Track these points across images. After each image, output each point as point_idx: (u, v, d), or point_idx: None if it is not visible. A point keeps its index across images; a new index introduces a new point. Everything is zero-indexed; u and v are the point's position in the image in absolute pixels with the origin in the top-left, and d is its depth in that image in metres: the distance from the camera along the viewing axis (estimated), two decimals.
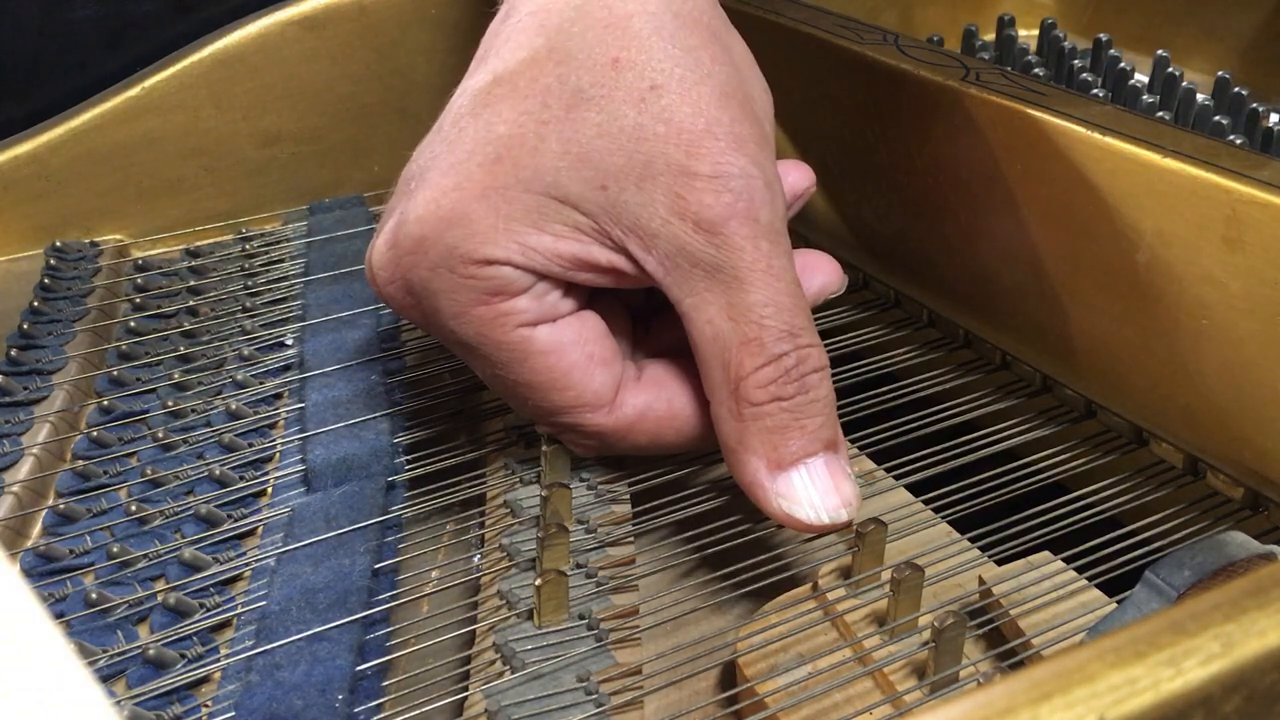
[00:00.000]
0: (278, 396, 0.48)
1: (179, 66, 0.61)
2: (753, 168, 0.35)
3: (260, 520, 0.41)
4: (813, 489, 0.35)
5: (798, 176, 0.43)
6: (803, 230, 0.56)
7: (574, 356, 0.37)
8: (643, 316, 0.42)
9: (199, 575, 0.38)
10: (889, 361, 0.48)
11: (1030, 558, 0.35)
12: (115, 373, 0.49)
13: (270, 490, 0.43)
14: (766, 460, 0.35)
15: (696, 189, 0.34)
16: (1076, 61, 0.66)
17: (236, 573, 0.39)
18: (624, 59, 0.35)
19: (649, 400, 0.38)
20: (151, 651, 0.35)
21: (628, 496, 0.40)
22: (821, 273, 0.41)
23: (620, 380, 0.38)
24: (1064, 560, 0.35)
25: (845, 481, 0.35)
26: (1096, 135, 0.39)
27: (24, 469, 0.43)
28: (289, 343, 0.51)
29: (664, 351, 0.40)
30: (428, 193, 0.36)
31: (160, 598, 0.37)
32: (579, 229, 0.35)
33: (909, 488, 0.41)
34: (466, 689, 0.33)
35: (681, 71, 0.35)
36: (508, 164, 0.35)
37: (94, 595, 0.37)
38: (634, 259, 0.36)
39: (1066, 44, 0.68)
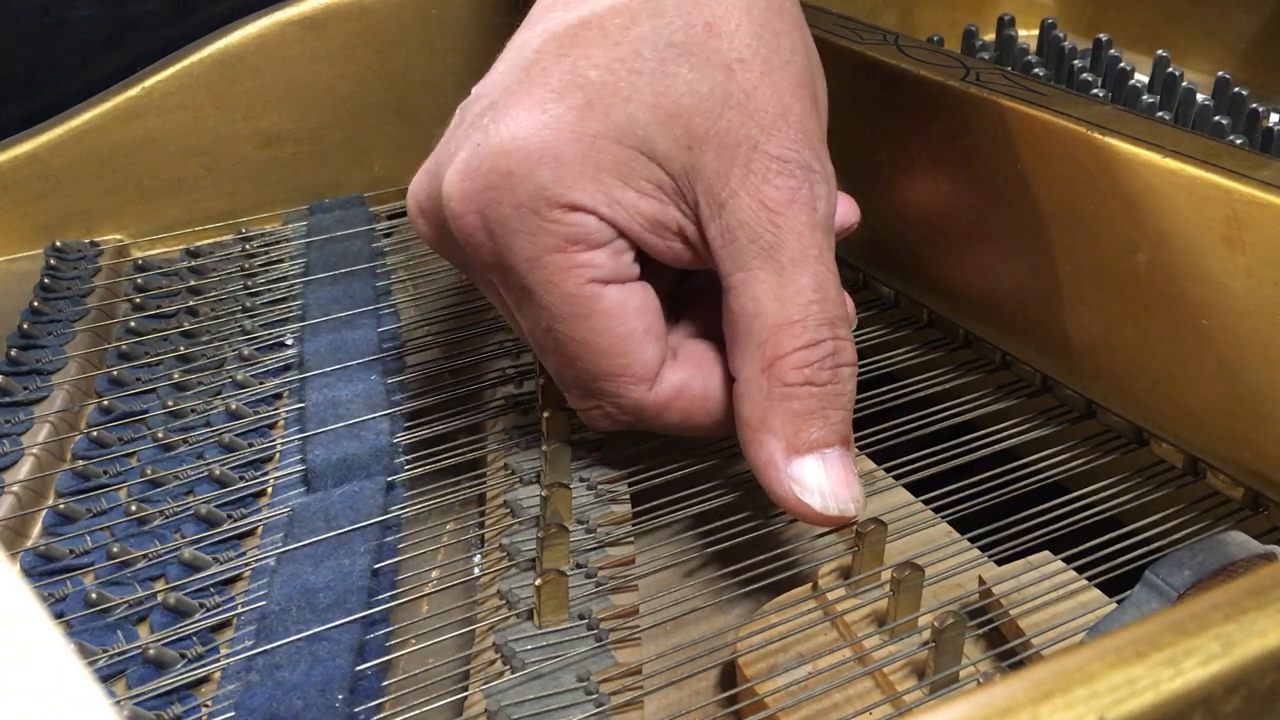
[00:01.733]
0: (277, 396, 0.48)
1: (179, 66, 0.61)
2: (815, 161, 0.35)
3: (260, 520, 0.41)
4: (826, 479, 0.35)
5: (846, 210, 0.43)
6: None
7: (633, 324, 0.36)
8: (669, 304, 0.41)
9: (199, 575, 0.38)
10: (889, 361, 0.48)
11: (1030, 558, 0.35)
12: (115, 373, 0.49)
13: (270, 490, 0.43)
14: (786, 443, 0.35)
15: (767, 168, 0.35)
16: (1076, 61, 0.66)
17: (236, 573, 0.39)
18: (717, 25, 0.35)
19: (686, 378, 0.38)
20: (151, 651, 0.35)
21: (628, 496, 0.40)
22: None
23: (664, 357, 0.38)
24: (1064, 560, 0.35)
25: (854, 479, 0.35)
26: (1096, 135, 0.39)
27: (24, 469, 0.43)
28: (289, 343, 0.51)
29: (694, 336, 0.40)
30: (512, 127, 0.35)
31: (160, 598, 0.37)
32: (661, 188, 0.35)
33: (909, 488, 0.41)
34: (466, 689, 0.33)
35: (766, 53, 0.35)
36: (599, 111, 0.35)
37: (94, 595, 0.37)
38: (700, 225, 0.36)
39: (1066, 44, 0.68)
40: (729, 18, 0.35)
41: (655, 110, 0.35)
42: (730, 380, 0.37)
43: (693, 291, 0.41)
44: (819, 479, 0.35)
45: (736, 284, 0.35)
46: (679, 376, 0.38)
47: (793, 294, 0.35)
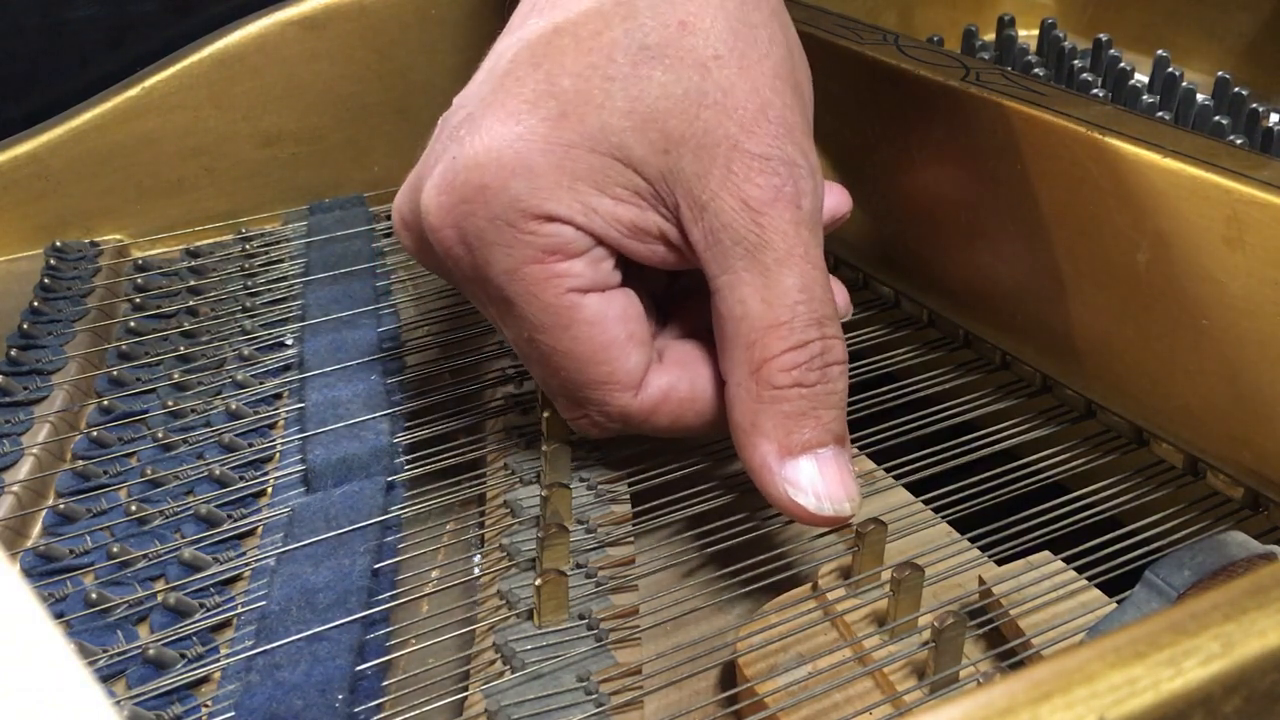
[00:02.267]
0: (277, 396, 0.48)
1: (179, 66, 0.61)
2: (799, 155, 0.35)
3: (260, 520, 0.41)
4: (819, 479, 0.35)
5: (838, 200, 0.42)
6: None
7: (615, 331, 0.36)
8: (660, 304, 0.41)
9: (199, 575, 0.38)
10: (889, 361, 0.48)
11: (1030, 558, 0.35)
12: (115, 373, 0.49)
13: (270, 490, 0.43)
14: (778, 445, 0.35)
15: (748, 167, 0.34)
16: (1076, 61, 0.66)
17: (236, 573, 0.39)
18: (691, 23, 0.35)
19: (672, 381, 0.38)
20: (151, 651, 0.35)
21: (628, 496, 0.40)
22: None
23: (649, 362, 0.38)
24: (1064, 560, 0.35)
25: (850, 478, 0.35)
26: (1096, 135, 0.39)
27: (24, 469, 0.43)
28: (289, 343, 0.51)
29: (683, 336, 0.40)
30: (486, 140, 0.35)
31: (160, 598, 0.37)
32: (638, 193, 0.35)
33: (909, 488, 0.41)
34: (466, 689, 0.33)
35: (743, 46, 0.35)
36: (573, 120, 0.34)
37: (94, 595, 0.37)
38: (682, 228, 0.35)
39: (1066, 44, 0.68)
40: (703, 14, 0.35)
41: (629, 116, 0.34)
42: (720, 379, 0.37)
43: (681, 292, 0.41)
44: (813, 480, 0.35)
45: (722, 286, 0.35)
46: (665, 380, 0.38)
47: (778, 295, 0.34)
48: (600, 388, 0.37)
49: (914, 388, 0.45)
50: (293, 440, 0.45)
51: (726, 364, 0.36)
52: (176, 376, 0.49)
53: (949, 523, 0.39)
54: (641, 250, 0.36)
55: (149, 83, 0.60)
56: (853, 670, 0.32)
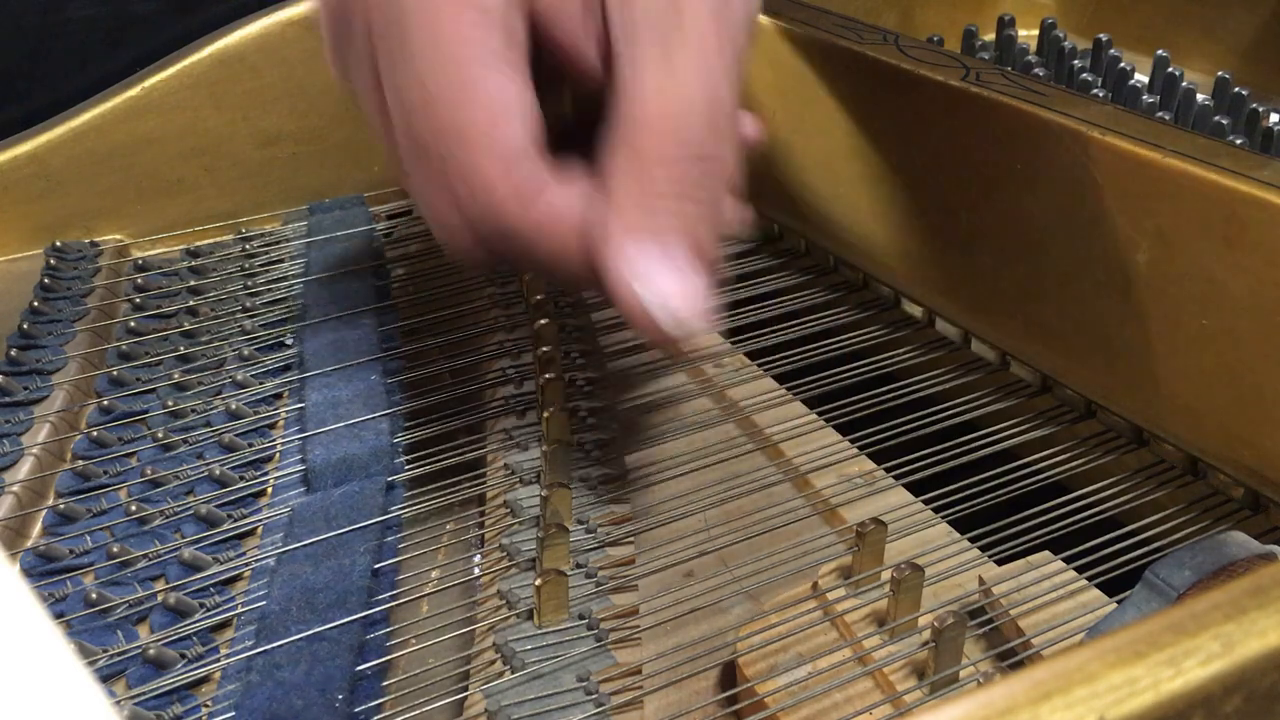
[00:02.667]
0: (278, 396, 0.48)
1: (179, 66, 0.61)
2: None
3: (260, 520, 0.41)
4: (669, 276, 0.32)
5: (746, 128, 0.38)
6: (803, 230, 0.56)
7: (507, 98, 0.33)
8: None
9: (199, 575, 0.38)
10: (889, 361, 0.48)
11: (1030, 558, 0.35)
12: (115, 373, 0.49)
13: (270, 490, 0.43)
14: (632, 224, 0.32)
15: None
16: (1076, 61, 0.66)
17: (236, 573, 0.39)
18: None
19: (568, 201, 0.34)
20: (151, 651, 0.35)
21: (628, 497, 0.40)
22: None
23: (534, 163, 0.33)
24: (1064, 560, 0.35)
25: (704, 302, 0.32)
26: (1096, 135, 0.39)
27: (24, 469, 0.43)
28: (289, 342, 0.51)
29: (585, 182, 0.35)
30: None
31: (160, 598, 0.37)
32: None
33: (909, 488, 0.41)
34: (466, 689, 0.33)
35: None
36: None
37: (94, 595, 0.37)
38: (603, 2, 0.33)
39: (1066, 44, 0.68)
40: None
41: None
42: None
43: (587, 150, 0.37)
44: (660, 274, 0.32)
45: (624, 67, 0.32)
46: (560, 199, 0.33)
47: (678, 85, 0.32)
48: (474, 149, 0.33)
49: (914, 388, 0.45)
50: (293, 440, 0.45)
51: (609, 154, 0.33)
52: (176, 376, 0.49)
53: (949, 523, 0.39)
54: (557, 19, 0.33)
55: (149, 83, 0.60)
56: (853, 670, 0.32)
